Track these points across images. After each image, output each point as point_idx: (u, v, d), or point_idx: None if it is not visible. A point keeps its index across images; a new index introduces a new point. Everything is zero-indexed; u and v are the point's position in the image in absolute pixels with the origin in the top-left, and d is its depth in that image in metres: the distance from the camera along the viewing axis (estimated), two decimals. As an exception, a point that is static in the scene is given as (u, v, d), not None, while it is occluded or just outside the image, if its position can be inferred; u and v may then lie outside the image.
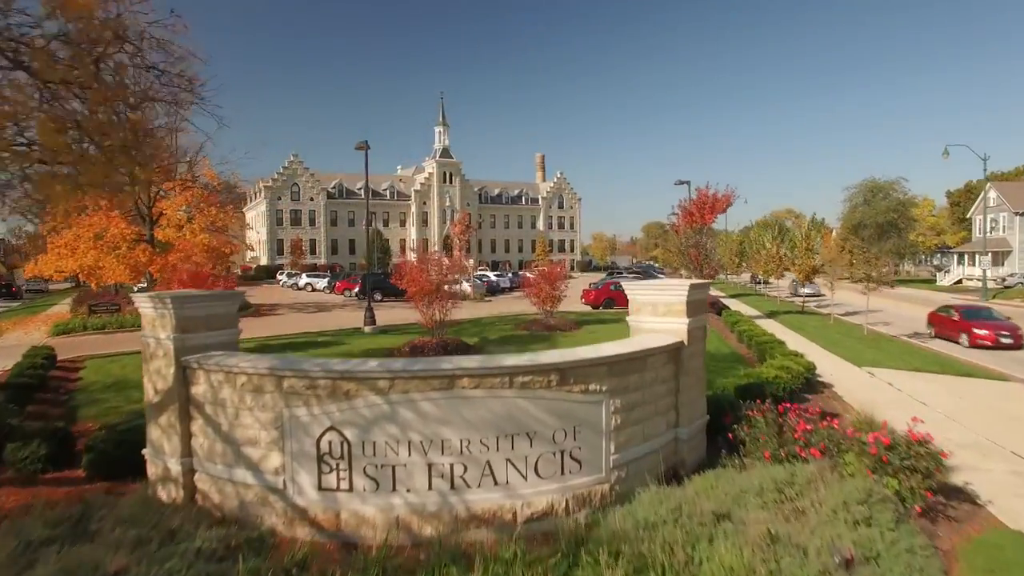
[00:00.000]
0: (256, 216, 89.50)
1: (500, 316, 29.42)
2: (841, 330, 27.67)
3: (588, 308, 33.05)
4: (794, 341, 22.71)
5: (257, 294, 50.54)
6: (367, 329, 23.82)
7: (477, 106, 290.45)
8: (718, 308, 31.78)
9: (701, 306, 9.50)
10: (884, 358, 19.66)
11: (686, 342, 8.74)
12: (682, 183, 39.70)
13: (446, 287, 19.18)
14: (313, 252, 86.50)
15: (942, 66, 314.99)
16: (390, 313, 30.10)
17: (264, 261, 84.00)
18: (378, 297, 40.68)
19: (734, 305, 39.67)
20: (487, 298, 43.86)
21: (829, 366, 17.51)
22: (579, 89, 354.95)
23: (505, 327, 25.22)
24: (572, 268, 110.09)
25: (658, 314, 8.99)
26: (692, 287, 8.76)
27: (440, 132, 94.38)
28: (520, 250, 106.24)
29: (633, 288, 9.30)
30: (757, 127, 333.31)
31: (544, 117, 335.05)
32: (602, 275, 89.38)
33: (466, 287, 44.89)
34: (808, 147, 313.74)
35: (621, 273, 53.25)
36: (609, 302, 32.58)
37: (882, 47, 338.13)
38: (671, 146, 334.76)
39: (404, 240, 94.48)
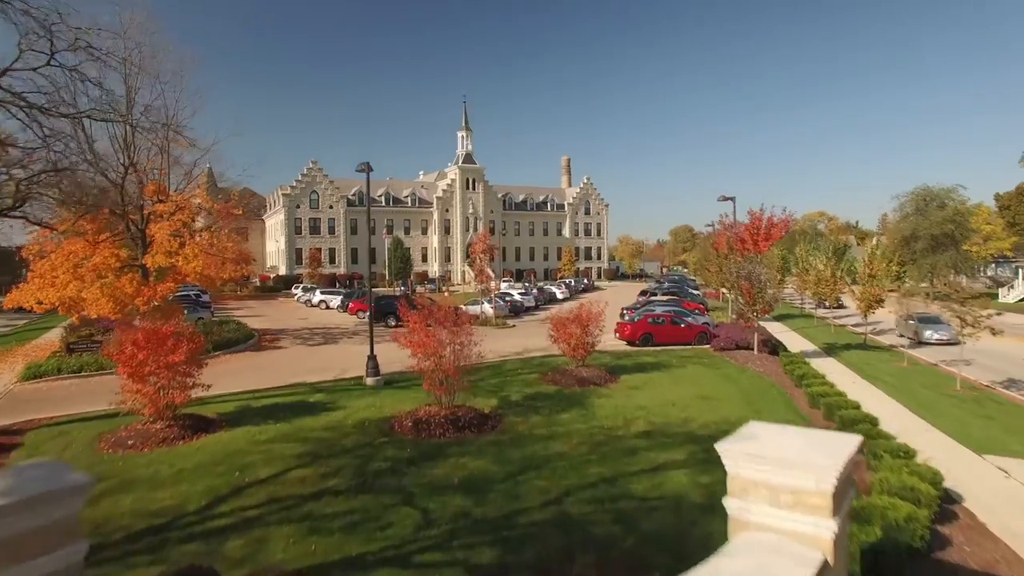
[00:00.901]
0: (275, 224, 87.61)
1: (524, 357, 25.92)
2: (924, 379, 23.61)
3: (622, 344, 29.37)
4: (875, 401, 18.90)
5: (268, 313, 47.99)
6: (369, 381, 20.59)
7: (501, 109, 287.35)
8: (772, 346, 27.92)
9: (850, 484, 5.96)
10: (1004, 435, 15.74)
11: (831, 560, 5.21)
12: (726, 199, 35.88)
13: (460, 342, 15.81)
14: (333, 262, 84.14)
15: (959, 66, 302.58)
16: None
17: (283, 271, 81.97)
18: (392, 323, 37.64)
19: (783, 335, 35.72)
20: (510, 323, 40.40)
21: (940, 454, 13.70)
22: (602, 90, 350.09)
23: (529, 376, 21.78)
24: (599, 276, 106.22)
25: (780, 505, 5.42)
26: (847, 463, 5.23)
27: (463, 137, 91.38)
28: (545, 258, 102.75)
29: (734, 454, 5.80)
30: (784, 128, 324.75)
31: (568, 118, 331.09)
32: (632, 284, 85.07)
33: (487, 309, 41.57)
34: (835, 148, 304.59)
35: (655, 294, 49.30)
36: (647, 338, 28.79)
37: (903, 48, 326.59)
38: (697, 147, 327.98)
39: (426, 248, 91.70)
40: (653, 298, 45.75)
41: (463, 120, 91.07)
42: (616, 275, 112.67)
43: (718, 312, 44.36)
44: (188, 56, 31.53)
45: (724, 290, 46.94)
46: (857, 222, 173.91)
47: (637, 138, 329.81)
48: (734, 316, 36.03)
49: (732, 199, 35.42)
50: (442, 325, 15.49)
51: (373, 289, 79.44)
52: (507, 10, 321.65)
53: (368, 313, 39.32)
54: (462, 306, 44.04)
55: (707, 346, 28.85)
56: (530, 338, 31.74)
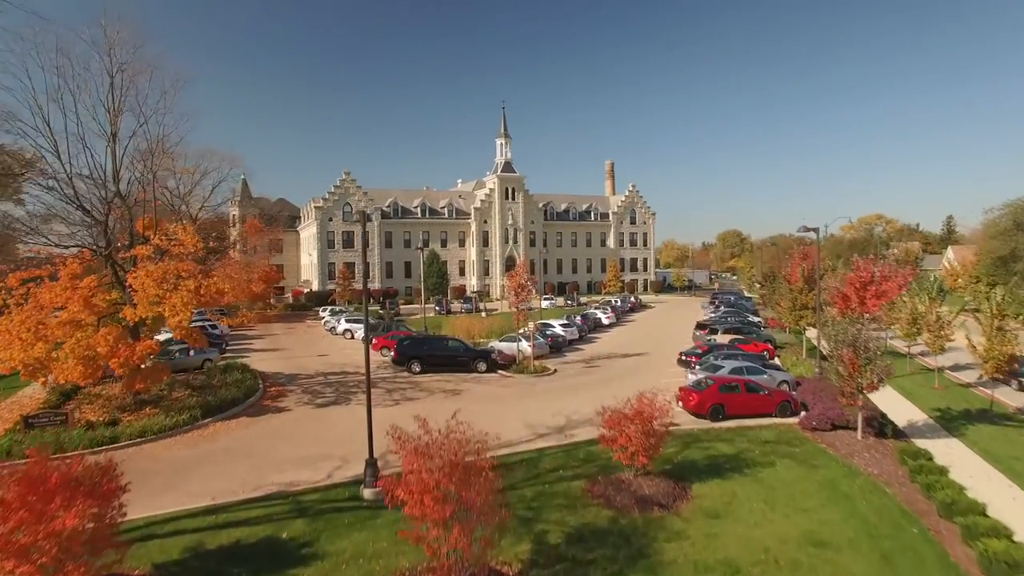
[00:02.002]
0: (308, 237, 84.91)
1: (566, 443, 20.89)
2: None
3: (686, 414, 24.09)
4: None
5: (288, 345, 44.24)
6: (367, 494, 15.97)
7: (542, 114, 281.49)
8: (878, 426, 22.19)
9: None
10: None
11: None
12: (809, 230, 30.16)
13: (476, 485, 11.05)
14: (367, 276, 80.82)
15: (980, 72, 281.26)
16: (428, 402, 21.68)
17: (316, 286, 79.04)
18: (416, 369, 33.30)
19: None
20: (549, 366, 35.41)
21: None
22: (644, 93, 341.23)
23: (573, 485, 16.86)
24: (646, 289, 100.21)
25: None
26: None
27: (501, 144, 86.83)
28: (589, 270, 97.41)
29: None
30: (832, 129, 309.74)
31: (610, 122, 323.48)
32: (681, 298, 77.32)
33: (525, 347, 36.74)
34: (888, 147, 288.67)
35: (715, 329, 43.21)
36: (717, 410, 23.22)
37: (959, 48, 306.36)
38: (739, 150, 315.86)
39: (463, 261, 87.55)
40: (712, 337, 39.94)
41: (502, 127, 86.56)
42: (663, 287, 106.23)
43: (788, 355, 38.28)
44: (178, 74, 27.87)
45: (793, 324, 40.96)
46: (918, 224, 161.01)
47: (678, 141, 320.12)
48: (817, 370, 30.26)
49: (816, 230, 29.70)
50: (452, 478, 10.75)
51: (406, 307, 74.61)
52: (547, 14, 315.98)
53: (393, 357, 35.33)
54: (496, 343, 39.40)
55: (792, 420, 23.35)
56: (573, 395, 26.86)
